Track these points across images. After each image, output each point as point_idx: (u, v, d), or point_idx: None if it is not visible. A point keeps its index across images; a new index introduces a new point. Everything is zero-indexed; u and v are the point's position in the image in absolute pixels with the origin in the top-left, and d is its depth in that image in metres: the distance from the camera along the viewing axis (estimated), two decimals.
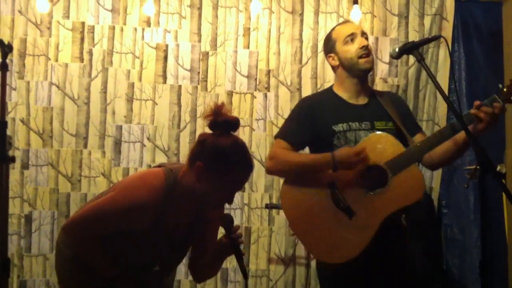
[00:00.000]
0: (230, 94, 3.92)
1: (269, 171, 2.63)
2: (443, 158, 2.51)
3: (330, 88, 2.69)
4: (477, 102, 2.30)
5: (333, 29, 2.69)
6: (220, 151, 2.07)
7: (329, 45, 2.65)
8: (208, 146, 2.09)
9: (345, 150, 2.42)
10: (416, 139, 2.55)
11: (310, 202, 2.49)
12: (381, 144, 2.45)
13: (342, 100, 2.60)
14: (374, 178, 2.42)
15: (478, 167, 2.41)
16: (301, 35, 3.97)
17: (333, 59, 2.62)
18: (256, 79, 3.94)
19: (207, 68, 3.92)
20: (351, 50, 2.54)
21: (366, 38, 2.59)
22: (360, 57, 2.54)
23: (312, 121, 2.57)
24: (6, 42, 2.06)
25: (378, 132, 2.49)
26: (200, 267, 2.31)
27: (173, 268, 2.39)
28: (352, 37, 2.56)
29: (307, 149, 2.67)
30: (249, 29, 3.94)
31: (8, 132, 2.02)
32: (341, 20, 3.93)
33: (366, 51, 2.54)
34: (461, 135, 2.37)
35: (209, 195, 2.09)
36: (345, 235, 2.41)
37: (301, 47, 3.97)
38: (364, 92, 2.61)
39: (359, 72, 2.57)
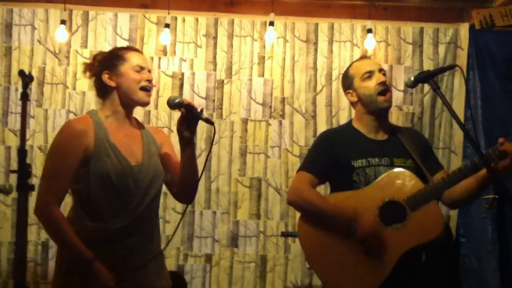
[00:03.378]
0: (245, 121, 3.95)
1: (290, 204, 2.64)
2: (463, 195, 2.46)
3: (350, 123, 2.69)
4: (501, 140, 2.28)
5: (350, 65, 2.70)
6: (106, 54, 2.41)
7: (347, 82, 2.64)
8: (98, 61, 2.39)
9: (367, 229, 2.38)
10: (437, 177, 2.50)
11: (327, 234, 2.47)
12: (400, 180, 2.44)
13: (361, 135, 2.59)
14: (393, 213, 2.40)
15: (496, 197, 2.38)
16: (315, 63, 4.00)
17: (351, 95, 2.62)
18: (271, 106, 3.97)
19: (222, 96, 3.96)
20: (370, 86, 2.54)
21: (384, 74, 2.58)
22: (379, 93, 2.52)
23: (333, 153, 2.56)
24: (27, 72, 2.10)
25: (398, 169, 2.47)
26: (183, 180, 2.35)
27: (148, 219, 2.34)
28: (370, 74, 2.55)
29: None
30: (263, 57, 3.99)
31: (27, 159, 2.05)
32: (355, 49, 3.98)
33: (385, 87, 2.53)
34: (482, 173, 2.33)
35: (127, 89, 2.31)
36: (361, 271, 2.39)
37: (315, 75, 3.99)
38: (384, 128, 2.60)
39: (377, 109, 2.56)
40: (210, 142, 2.38)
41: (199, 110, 2.23)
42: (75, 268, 2.18)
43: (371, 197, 2.42)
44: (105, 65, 2.36)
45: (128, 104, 2.36)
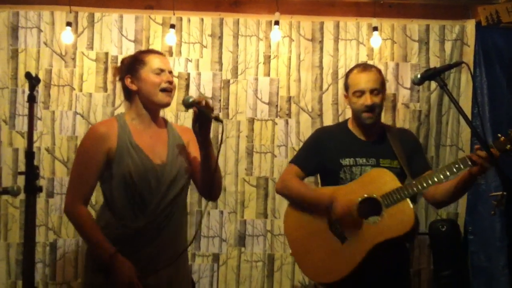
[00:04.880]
0: (251, 121, 3.95)
1: (277, 192, 2.89)
2: (445, 197, 2.63)
3: (346, 123, 2.88)
4: (477, 146, 2.40)
5: (352, 71, 2.83)
6: (129, 59, 2.51)
7: (346, 86, 2.83)
8: (123, 65, 2.51)
9: (342, 205, 2.59)
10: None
11: (310, 225, 2.70)
12: (380, 179, 2.63)
13: (353, 135, 2.78)
14: (370, 209, 2.59)
15: (504, 193, 2.41)
16: (321, 62, 3.99)
17: (346, 98, 2.84)
18: (277, 106, 3.96)
19: (228, 96, 3.96)
20: (357, 103, 2.72)
21: (377, 94, 2.71)
22: (363, 112, 2.71)
23: (322, 151, 2.78)
24: (33, 75, 2.11)
25: (379, 168, 2.68)
26: (203, 179, 2.45)
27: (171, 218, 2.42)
28: (360, 93, 2.71)
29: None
30: (269, 57, 3.98)
31: (34, 161, 2.06)
32: (361, 47, 3.97)
33: (369, 109, 2.69)
34: (463, 175, 2.47)
35: (148, 92, 2.40)
36: (335, 258, 2.60)
37: (321, 74, 3.99)
38: (375, 131, 2.78)
39: (361, 124, 2.75)
40: (219, 141, 2.42)
41: (209, 109, 2.29)
42: (101, 267, 2.29)
43: (352, 192, 2.62)
44: (127, 69, 2.47)
45: (150, 106, 2.45)
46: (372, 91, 2.70)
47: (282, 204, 3.86)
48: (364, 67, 2.82)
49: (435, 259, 3.75)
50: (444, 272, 3.68)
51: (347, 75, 2.85)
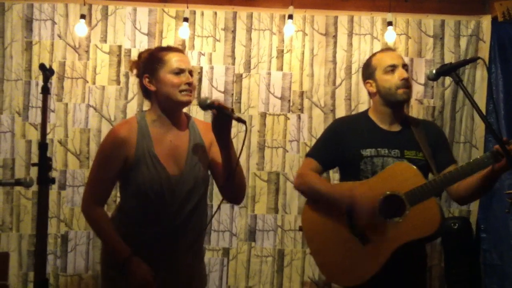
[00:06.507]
0: (263, 115, 3.93)
1: (295, 188, 2.73)
2: (468, 192, 2.48)
3: (366, 112, 2.71)
4: (504, 138, 2.27)
5: (374, 55, 2.71)
6: (147, 56, 2.43)
7: (368, 71, 2.66)
8: (141, 62, 2.44)
9: (362, 209, 2.44)
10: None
11: (328, 224, 2.55)
12: (403, 174, 2.46)
13: (374, 124, 2.62)
14: (393, 207, 2.44)
15: None
16: (334, 57, 3.97)
17: (371, 85, 2.64)
18: (289, 100, 3.95)
19: (241, 90, 3.94)
20: (391, 80, 2.56)
21: (407, 70, 2.60)
22: (399, 88, 2.55)
23: (341, 143, 2.61)
24: (47, 66, 2.12)
25: (402, 162, 2.51)
26: (226, 181, 2.36)
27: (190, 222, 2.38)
28: (393, 68, 2.57)
29: None
30: (282, 51, 3.96)
31: (47, 153, 2.06)
32: (375, 42, 3.93)
33: (406, 84, 2.55)
34: (486, 171, 2.35)
35: (167, 93, 2.33)
36: (356, 261, 2.46)
37: (334, 68, 3.96)
38: (398, 120, 2.62)
39: (395, 102, 2.58)
40: (242, 140, 2.31)
41: (230, 110, 2.22)
42: (116, 262, 2.28)
43: (373, 189, 2.46)
44: (145, 68, 2.39)
45: (170, 107, 2.37)
46: (403, 66, 2.59)
47: (293, 200, 3.85)
48: (388, 48, 2.76)
49: (447, 257, 3.72)
50: (455, 270, 3.65)
51: (368, 60, 2.70)
